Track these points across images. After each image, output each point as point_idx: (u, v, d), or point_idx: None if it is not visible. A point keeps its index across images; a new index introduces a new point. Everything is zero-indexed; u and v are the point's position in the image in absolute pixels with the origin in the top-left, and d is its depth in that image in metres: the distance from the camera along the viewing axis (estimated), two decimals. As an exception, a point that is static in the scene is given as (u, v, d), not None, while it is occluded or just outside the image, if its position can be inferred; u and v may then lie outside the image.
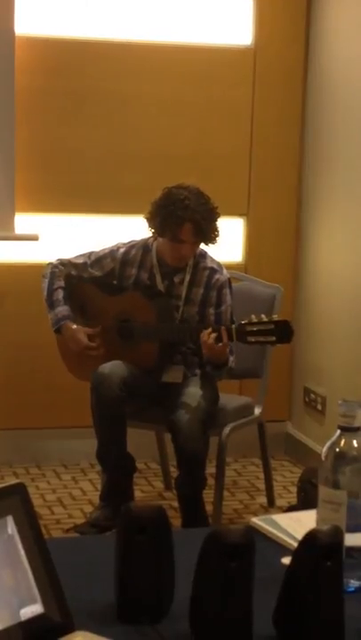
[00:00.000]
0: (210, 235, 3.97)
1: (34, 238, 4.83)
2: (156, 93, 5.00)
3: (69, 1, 4.91)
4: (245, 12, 5.11)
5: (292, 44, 5.12)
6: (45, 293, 4.14)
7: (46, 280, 4.15)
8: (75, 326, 4.08)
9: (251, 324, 3.75)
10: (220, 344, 3.77)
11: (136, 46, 4.98)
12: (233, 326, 3.79)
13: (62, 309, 4.10)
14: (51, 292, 4.13)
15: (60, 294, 4.12)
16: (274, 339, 3.74)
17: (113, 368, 3.92)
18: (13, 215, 4.85)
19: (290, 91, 5.15)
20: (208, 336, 3.77)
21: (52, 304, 4.12)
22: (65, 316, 4.09)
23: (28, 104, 4.84)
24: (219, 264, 4.11)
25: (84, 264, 4.14)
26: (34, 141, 4.89)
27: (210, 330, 3.79)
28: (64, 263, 4.16)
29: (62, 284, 4.13)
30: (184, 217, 3.89)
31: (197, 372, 4.10)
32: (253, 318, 3.76)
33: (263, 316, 3.78)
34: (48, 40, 4.88)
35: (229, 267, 4.20)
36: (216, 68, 5.07)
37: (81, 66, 4.93)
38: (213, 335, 3.77)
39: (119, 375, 3.90)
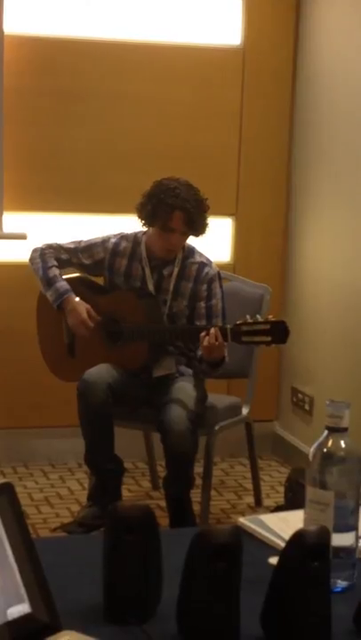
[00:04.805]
0: (199, 226, 3.98)
1: (22, 237, 4.83)
2: (145, 93, 5.00)
3: (58, 0, 4.90)
4: (235, 12, 5.11)
5: (281, 45, 5.13)
6: (40, 273, 4.10)
7: (38, 260, 4.11)
8: (77, 299, 4.07)
9: (246, 324, 3.75)
10: (217, 343, 3.77)
11: (125, 46, 4.97)
12: (228, 327, 3.79)
13: (62, 284, 4.08)
14: (45, 269, 4.09)
15: (56, 271, 4.10)
16: (269, 339, 3.74)
17: (99, 373, 3.92)
18: (1, 214, 4.85)
19: (279, 91, 5.16)
20: (205, 339, 3.78)
21: (49, 281, 4.09)
22: (66, 289, 4.07)
23: (16, 103, 4.83)
24: (208, 259, 4.12)
25: (75, 249, 4.14)
26: (22, 140, 4.88)
27: (204, 333, 3.79)
28: (53, 247, 4.14)
29: (56, 263, 4.11)
30: (175, 205, 3.91)
31: (184, 369, 4.10)
32: (249, 318, 3.76)
33: (258, 316, 3.79)
34: (36, 39, 4.87)
35: (218, 267, 4.20)
36: (205, 68, 5.07)
37: (69, 65, 4.92)
38: (209, 337, 3.77)
39: (105, 380, 3.89)
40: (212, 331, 3.78)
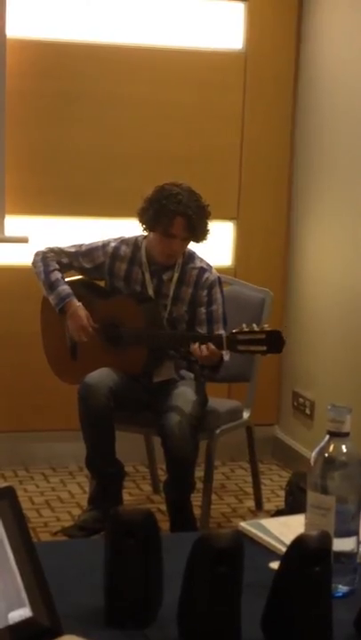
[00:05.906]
0: (200, 232, 3.98)
1: (23, 240, 4.83)
2: (147, 96, 5.00)
3: (61, 4, 4.90)
4: (237, 16, 5.11)
5: (282, 49, 5.13)
6: (43, 276, 4.12)
7: (40, 264, 4.13)
8: (79, 304, 4.07)
9: (242, 332, 3.75)
10: (205, 354, 3.78)
11: (128, 49, 4.98)
12: (224, 335, 3.79)
13: (64, 288, 4.09)
14: (48, 273, 4.11)
15: (58, 275, 4.11)
16: (265, 348, 3.74)
17: (100, 377, 3.92)
18: (3, 217, 4.85)
19: (280, 95, 5.16)
20: (198, 349, 3.78)
21: (51, 285, 4.10)
22: (69, 293, 4.08)
23: (18, 106, 4.83)
24: (208, 264, 4.12)
25: (76, 253, 4.15)
26: (24, 143, 4.89)
27: (197, 345, 3.80)
28: (54, 251, 4.16)
29: (57, 266, 4.13)
30: (176, 211, 3.91)
31: (184, 373, 4.10)
32: (245, 327, 3.76)
33: (255, 325, 3.78)
34: (39, 42, 4.87)
35: (219, 271, 4.20)
36: (207, 72, 5.07)
37: (71, 68, 4.92)
38: (203, 347, 3.78)
39: (106, 384, 3.89)
40: (195, 346, 3.79)
